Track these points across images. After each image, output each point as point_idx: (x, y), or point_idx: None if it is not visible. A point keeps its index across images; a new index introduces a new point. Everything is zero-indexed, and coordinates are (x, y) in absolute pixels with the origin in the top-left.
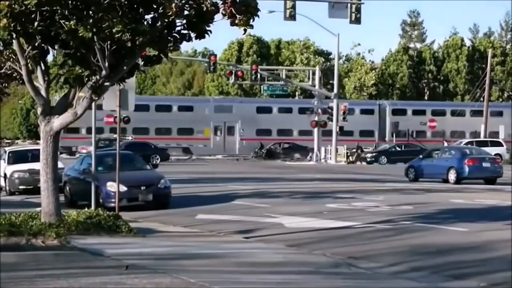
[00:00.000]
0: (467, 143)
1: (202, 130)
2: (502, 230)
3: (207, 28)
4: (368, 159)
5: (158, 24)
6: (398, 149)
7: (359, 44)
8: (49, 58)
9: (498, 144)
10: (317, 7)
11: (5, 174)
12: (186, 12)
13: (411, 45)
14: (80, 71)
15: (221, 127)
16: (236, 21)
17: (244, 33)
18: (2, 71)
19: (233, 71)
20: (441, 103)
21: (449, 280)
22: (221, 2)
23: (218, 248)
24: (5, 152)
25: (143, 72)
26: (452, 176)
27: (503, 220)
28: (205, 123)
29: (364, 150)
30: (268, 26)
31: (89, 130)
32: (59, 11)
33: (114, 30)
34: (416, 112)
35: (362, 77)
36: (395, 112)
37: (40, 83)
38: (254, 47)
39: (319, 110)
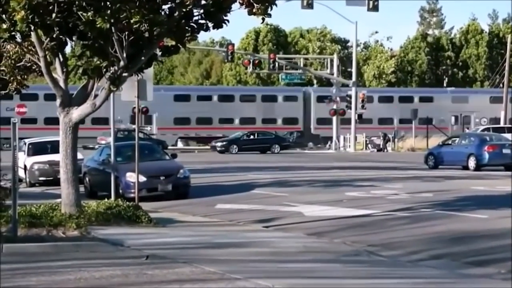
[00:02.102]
0: (483, 130)
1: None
2: None
3: (225, 18)
4: (218, 148)
5: (175, 14)
6: (252, 137)
7: (376, 32)
8: (67, 49)
9: None
10: None
11: (25, 166)
12: (203, 2)
13: (430, 32)
14: (98, 62)
15: None
16: (254, 10)
17: (262, 22)
18: (21, 63)
19: (251, 60)
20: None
21: (469, 267)
22: None
23: (237, 237)
24: (25, 143)
25: (161, 62)
26: (472, 163)
27: None
28: None
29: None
30: (285, 14)
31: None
32: (76, 2)
33: (132, 21)
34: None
35: (381, 64)
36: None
37: (58, 74)
38: (270, 35)
39: (338, 98)
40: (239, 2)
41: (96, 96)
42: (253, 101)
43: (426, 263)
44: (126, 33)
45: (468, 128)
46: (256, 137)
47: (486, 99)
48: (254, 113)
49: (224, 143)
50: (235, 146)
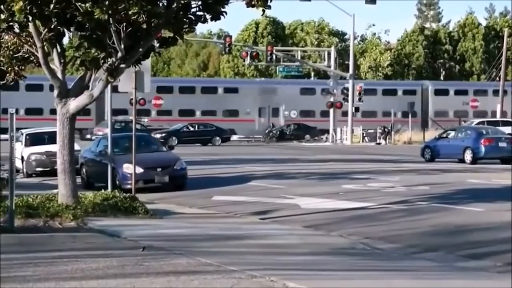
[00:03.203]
0: (478, 123)
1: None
2: None
3: (223, 10)
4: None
5: (173, 6)
6: (191, 129)
7: (373, 25)
8: (65, 40)
9: (510, 123)
10: None
11: (22, 156)
12: None
13: (427, 25)
14: (96, 53)
15: None
16: (253, 2)
17: (263, 14)
18: (19, 54)
19: (249, 52)
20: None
21: (465, 260)
22: None
23: (234, 229)
24: (22, 134)
25: (159, 54)
26: (468, 156)
27: None
28: None
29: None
30: (283, 7)
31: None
32: None
33: (130, 12)
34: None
35: (377, 57)
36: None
37: (56, 65)
38: (269, 28)
39: (335, 91)
40: None
41: (93, 87)
42: (18, 90)
43: (422, 255)
44: (124, 24)
45: (465, 122)
46: (196, 129)
47: (296, 90)
48: (17, 104)
49: (164, 135)
50: (174, 138)
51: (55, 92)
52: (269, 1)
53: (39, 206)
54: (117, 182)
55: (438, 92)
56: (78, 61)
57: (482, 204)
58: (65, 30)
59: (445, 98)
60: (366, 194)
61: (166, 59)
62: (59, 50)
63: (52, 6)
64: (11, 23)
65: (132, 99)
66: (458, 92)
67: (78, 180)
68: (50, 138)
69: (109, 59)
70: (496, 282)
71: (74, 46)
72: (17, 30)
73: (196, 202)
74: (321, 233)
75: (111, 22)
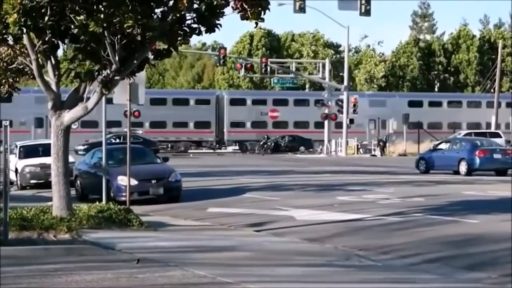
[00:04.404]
0: (465, 135)
1: None
2: None
3: (217, 22)
4: (80, 152)
5: (168, 19)
6: (118, 140)
7: (366, 36)
8: (60, 52)
9: (497, 135)
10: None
11: (16, 169)
12: (196, 6)
13: (421, 37)
14: (90, 65)
15: None
16: (247, 15)
17: (256, 27)
18: (14, 66)
19: (243, 64)
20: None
21: (460, 271)
22: None
23: (229, 241)
24: (16, 146)
25: (153, 65)
26: (463, 167)
27: None
28: None
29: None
30: (278, 18)
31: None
32: (69, 5)
33: (125, 25)
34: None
35: (371, 69)
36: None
37: (50, 77)
38: (264, 40)
39: (330, 103)
40: (232, 7)
41: (88, 99)
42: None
43: (418, 267)
44: (119, 36)
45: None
46: (122, 140)
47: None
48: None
49: (86, 146)
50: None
51: (50, 104)
52: (262, 14)
53: (33, 218)
54: (112, 194)
55: (233, 102)
56: (72, 73)
57: (478, 216)
58: (60, 42)
59: (243, 107)
60: (361, 206)
61: (161, 71)
62: (53, 62)
63: (46, 18)
64: (5, 35)
65: (126, 110)
66: (255, 102)
67: (73, 192)
68: (44, 150)
69: (103, 71)
70: None
71: (68, 58)
72: (11, 42)
73: (191, 214)
74: (316, 245)
75: (105, 34)
